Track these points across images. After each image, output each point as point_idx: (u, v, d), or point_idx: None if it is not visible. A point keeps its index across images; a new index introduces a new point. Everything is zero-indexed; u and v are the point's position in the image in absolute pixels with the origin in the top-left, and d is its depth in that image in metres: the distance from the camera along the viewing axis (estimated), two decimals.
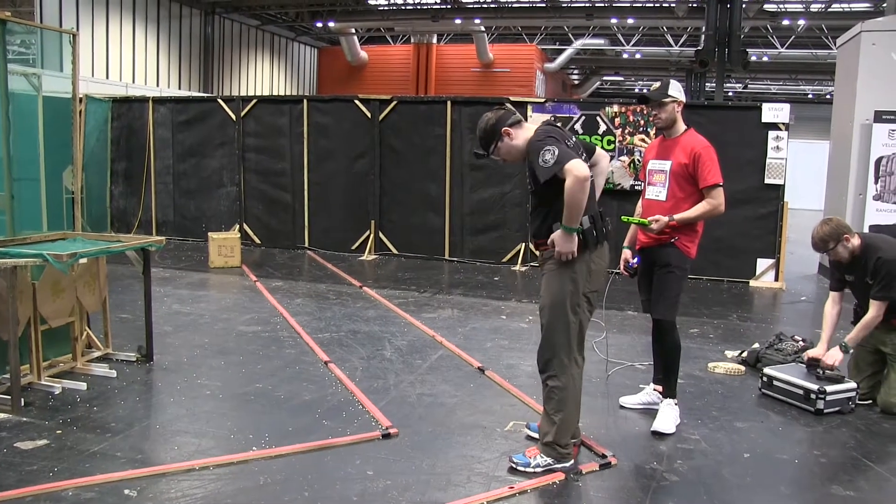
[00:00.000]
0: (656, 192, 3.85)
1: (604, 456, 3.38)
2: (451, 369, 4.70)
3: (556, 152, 3.00)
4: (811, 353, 4.30)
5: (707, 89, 21.38)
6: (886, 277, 4.04)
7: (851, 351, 4.24)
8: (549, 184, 3.05)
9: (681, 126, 3.86)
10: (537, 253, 3.36)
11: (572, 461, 3.25)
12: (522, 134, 3.25)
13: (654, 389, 4.06)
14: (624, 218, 3.91)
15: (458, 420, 3.82)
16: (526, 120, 8.99)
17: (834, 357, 4.15)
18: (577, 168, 2.96)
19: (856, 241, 4.16)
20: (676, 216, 3.71)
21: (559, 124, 3.34)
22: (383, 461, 3.29)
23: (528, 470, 3.19)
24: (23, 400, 3.84)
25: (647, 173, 3.97)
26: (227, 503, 2.88)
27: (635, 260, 3.93)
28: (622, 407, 4.09)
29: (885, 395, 4.15)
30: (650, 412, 3.95)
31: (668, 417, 3.79)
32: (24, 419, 3.67)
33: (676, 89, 3.83)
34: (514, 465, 3.22)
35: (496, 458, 3.36)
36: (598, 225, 3.21)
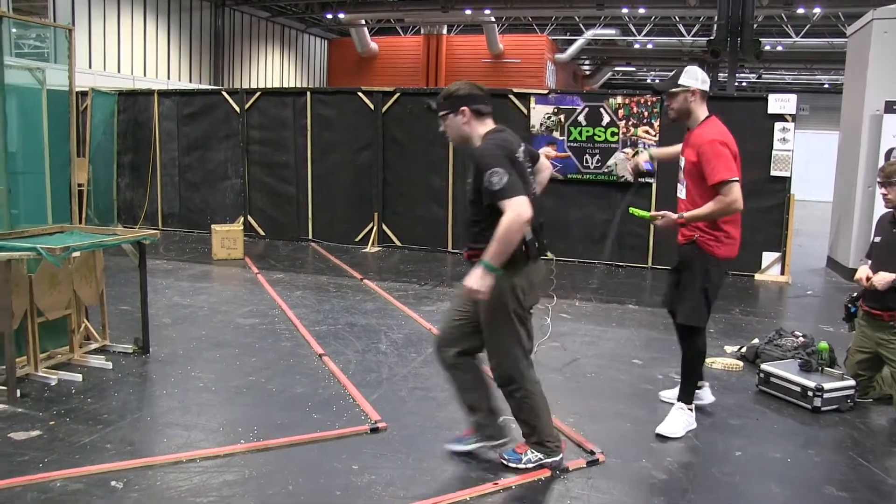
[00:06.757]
0: (681, 189, 3.74)
1: (592, 452, 3.35)
2: None
3: (505, 180, 2.81)
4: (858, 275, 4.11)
5: (720, 80, 21.12)
6: None
7: None
8: (492, 206, 2.87)
9: (699, 116, 3.61)
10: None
11: (561, 455, 3.23)
12: (477, 126, 3.07)
13: None
14: (631, 210, 3.83)
15: (448, 414, 3.81)
16: (528, 111, 8.73)
17: (885, 278, 3.94)
18: (522, 207, 2.78)
19: None
20: (686, 214, 3.58)
21: (509, 131, 3.18)
22: (370, 456, 3.29)
23: (519, 466, 3.17)
24: (19, 391, 3.88)
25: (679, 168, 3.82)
26: (211, 496, 2.89)
27: (648, 165, 3.88)
28: (662, 401, 4.02)
29: None
30: (644, 409, 3.92)
31: (676, 421, 3.66)
32: (20, 409, 3.71)
33: (690, 76, 3.57)
34: (505, 462, 3.20)
35: (483, 452, 3.34)
36: (540, 236, 3.07)
